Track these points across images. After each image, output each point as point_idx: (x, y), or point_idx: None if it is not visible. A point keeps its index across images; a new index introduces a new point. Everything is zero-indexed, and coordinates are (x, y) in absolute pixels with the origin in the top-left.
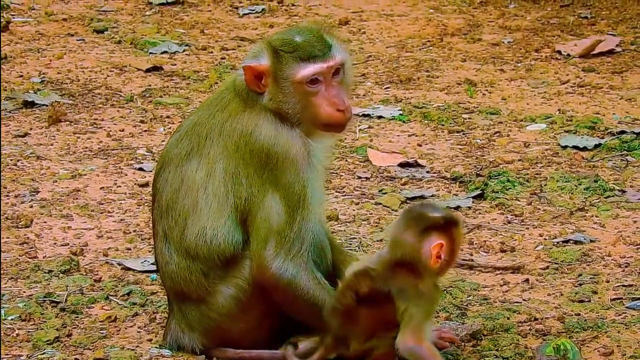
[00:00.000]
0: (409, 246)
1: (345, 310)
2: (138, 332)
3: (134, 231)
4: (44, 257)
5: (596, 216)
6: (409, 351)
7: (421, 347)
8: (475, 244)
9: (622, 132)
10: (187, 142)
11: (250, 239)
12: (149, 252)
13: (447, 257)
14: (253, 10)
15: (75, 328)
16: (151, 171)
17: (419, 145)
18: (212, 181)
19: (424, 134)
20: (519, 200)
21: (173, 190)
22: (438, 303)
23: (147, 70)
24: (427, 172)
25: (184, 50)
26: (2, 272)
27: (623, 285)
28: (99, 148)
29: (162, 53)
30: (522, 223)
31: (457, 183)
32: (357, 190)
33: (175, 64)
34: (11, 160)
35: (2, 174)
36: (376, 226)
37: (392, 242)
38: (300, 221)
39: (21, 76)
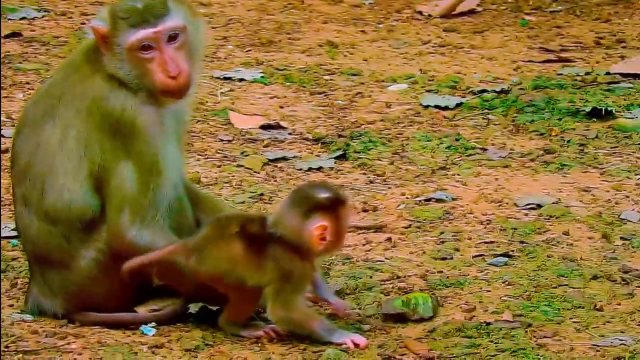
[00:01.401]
0: (292, 227)
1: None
2: None
3: None
4: None
5: (458, 174)
6: (282, 320)
7: (292, 315)
8: None
9: (483, 91)
10: (42, 105)
11: (106, 207)
12: (10, 218)
13: (332, 238)
14: None
15: None
16: (11, 137)
17: (281, 107)
18: (66, 145)
19: (286, 96)
20: (381, 160)
21: (30, 154)
22: (310, 280)
23: (6, 37)
24: (289, 133)
25: (43, 16)
26: None
27: (485, 242)
28: None
29: (20, 19)
30: (384, 183)
31: (320, 144)
32: (219, 153)
33: (34, 30)
34: None
35: None
36: (238, 188)
37: (277, 219)
38: (155, 188)
39: None
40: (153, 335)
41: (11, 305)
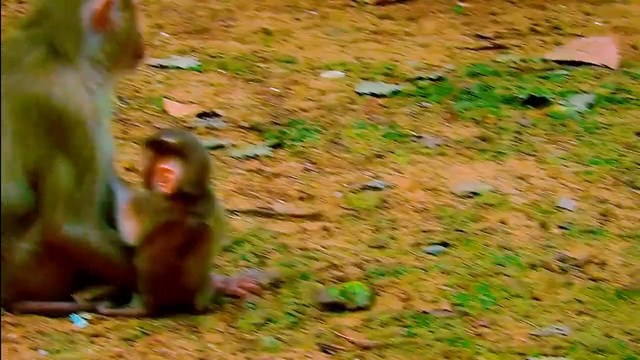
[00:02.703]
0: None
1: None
2: None
3: None
4: None
5: (393, 162)
6: None
7: None
8: (274, 192)
9: (419, 78)
10: None
11: (40, 202)
12: None
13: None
14: None
15: None
16: None
17: (216, 95)
18: (0, 144)
19: (221, 84)
20: (316, 148)
21: None
22: None
23: None
24: (224, 121)
25: None
26: None
27: (422, 231)
28: None
29: None
30: (319, 171)
31: (255, 132)
32: None
33: None
34: None
35: None
36: None
37: None
38: (89, 183)
39: None
40: (91, 324)
41: None
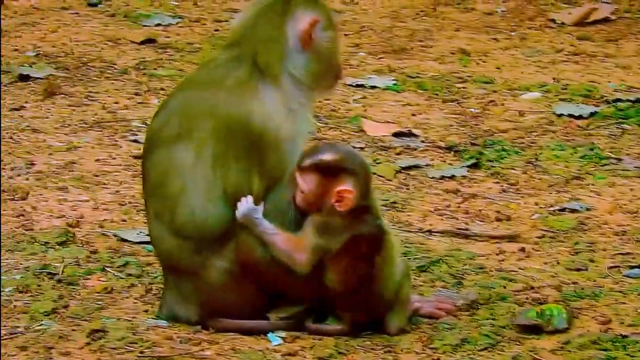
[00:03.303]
0: None
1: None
2: (134, 303)
3: (130, 202)
4: (40, 229)
5: (592, 184)
6: None
7: None
8: (471, 213)
9: (618, 100)
10: (176, 122)
11: (236, 223)
12: (145, 223)
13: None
14: None
15: (72, 299)
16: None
17: (413, 114)
18: (199, 165)
19: (418, 104)
20: (515, 169)
21: (161, 173)
22: None
23: (141, 43)
24: (422, 141)
25: (177, 23)
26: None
27: (620, 254)
28: (93, 120)
29: (155, 25)
30: (517, 192)
31: (452, 152)
32: None
33: (168, 36)
34: (7, 133)
35: None
36: None
37: None
38: (286, 203)
39: (16, 50)
40: (286, 343)
41: (146, 311)
